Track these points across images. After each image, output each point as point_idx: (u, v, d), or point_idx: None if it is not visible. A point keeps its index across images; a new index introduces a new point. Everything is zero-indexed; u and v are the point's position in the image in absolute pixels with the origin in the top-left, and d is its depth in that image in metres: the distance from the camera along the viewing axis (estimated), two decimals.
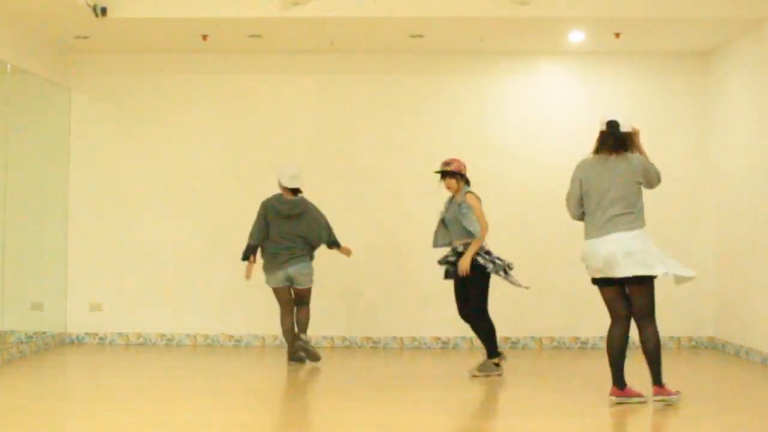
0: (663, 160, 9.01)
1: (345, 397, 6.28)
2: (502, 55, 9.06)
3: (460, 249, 7.17)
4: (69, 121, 9.08)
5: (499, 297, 9.06)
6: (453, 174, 7.25)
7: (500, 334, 8.85)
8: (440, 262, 7.36)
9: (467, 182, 7.38)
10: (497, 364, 7.16)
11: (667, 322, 8.91)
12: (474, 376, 7.11)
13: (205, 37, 8.39)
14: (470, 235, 7.09)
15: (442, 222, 7.32)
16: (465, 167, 7.33)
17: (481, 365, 7.16)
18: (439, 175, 7.34)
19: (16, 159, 8.14)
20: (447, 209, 7.33)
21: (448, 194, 7.37)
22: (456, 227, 7.20)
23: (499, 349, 7.23)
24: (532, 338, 8.94)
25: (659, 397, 5.88)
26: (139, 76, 9.14)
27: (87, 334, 9.00)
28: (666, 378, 5.97)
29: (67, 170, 9.04)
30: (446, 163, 7.30)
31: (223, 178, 9.04)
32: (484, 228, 7.18)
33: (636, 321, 5.97)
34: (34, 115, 8.66)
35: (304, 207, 7.64)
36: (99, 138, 9.10)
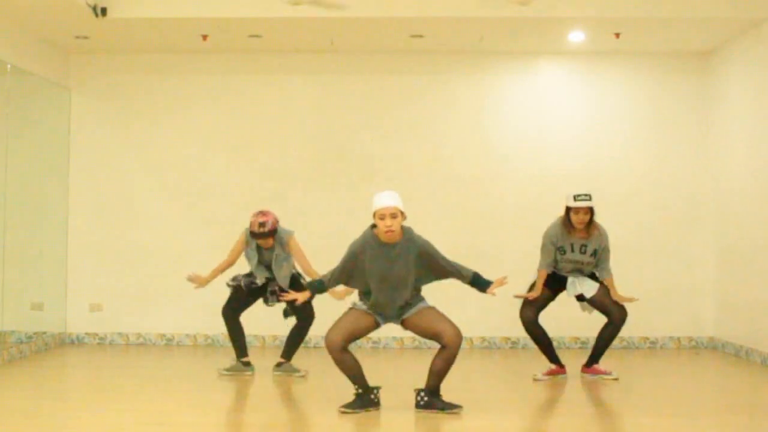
0: (663, 160, 9.09)
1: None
2: (502, 55, 9.06)
3: None
4: (69, 121, 9.08)
5: (498, 297, 9.05)
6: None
7: (500, 334, 8.92)
8: None
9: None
10: (247, 363, 7.39)
11: (667, 322, 8.97)
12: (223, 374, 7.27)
13: (205, 37, 8.39)
14: None
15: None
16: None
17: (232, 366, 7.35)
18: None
19: (16, 159, 8.13)
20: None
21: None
22: None
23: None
24: None
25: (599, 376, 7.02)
26: (139, 76, 9.14)
27: (87, 334, 9.00)
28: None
29: (67, 170, 9.04)
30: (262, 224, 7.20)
31: (223, 178, 9.04)
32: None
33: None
34: (34, 115, 8.65)
35: None
36: (99, 138, 9.10)
